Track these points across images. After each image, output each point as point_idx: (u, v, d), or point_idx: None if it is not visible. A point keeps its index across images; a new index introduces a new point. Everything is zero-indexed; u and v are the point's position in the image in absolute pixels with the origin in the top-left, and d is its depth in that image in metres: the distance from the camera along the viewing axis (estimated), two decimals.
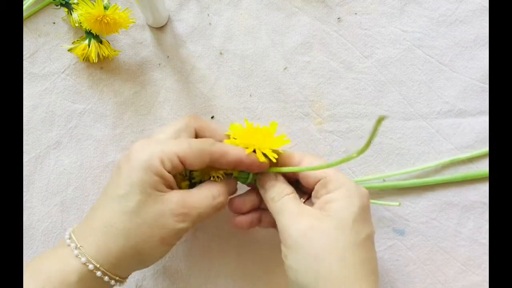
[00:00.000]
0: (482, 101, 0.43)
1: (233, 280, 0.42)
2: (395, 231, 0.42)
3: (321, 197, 0.35)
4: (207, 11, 0.45)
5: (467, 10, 0.44)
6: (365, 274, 0.32)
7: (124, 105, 0.44)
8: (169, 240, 0.33)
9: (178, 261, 0.42)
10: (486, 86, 0.43)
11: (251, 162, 0.35)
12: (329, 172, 0.35)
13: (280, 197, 0.35)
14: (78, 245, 0.32)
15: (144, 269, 0.42)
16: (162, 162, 0.33)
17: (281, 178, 0.37)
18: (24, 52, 0.44)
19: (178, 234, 0.33)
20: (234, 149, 0.35)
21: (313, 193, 0.36)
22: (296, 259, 0.33)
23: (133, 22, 0.42)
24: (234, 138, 0.37)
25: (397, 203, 0.40)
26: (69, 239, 0.33)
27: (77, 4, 0.41)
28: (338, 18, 0.45)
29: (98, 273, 0.32)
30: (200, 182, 0.37)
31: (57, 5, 0.44)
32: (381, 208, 0.42)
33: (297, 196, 0.36)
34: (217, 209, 0.35)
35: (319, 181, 0.35)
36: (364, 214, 0.34)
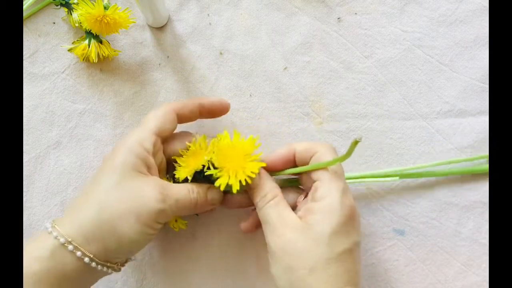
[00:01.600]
0: (482, 101, 0.43)
1: (232, 280, 0.42)
2: (395, 231, 0.42)
3: (307, 203, 0.35)
4: (207, 11, 0.45)
5: (467, 10, 0.45)
6: (337, 286, 0.32)
7: (124, 105, 0.44)
8: (145, 219, 0.33)
9: (178, 261, 0.42)
10: (486, 86, 0.44)
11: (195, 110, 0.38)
12: (323, 176, 0.35)
13: (262, 204, 0.35)
14: (53, 225, 0.33)
15: (145, 268, 0.42)
16: (142, 144, 0.34)
17: (265, 179, 0.36)
18: (24, 52, 0.44)
19: (155, 215, 0.33)
20: (190, 101, 0.38)
21: (309, 194, 0.36)
22: (275, 267, 0.34)
23: (133, 22, 0.42)
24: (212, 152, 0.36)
25: (396, 177, 0.40)
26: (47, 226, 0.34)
27: (77, 4, 0.41)
28: (338, 18, 0.45)
29: (70, 247, 0.32)
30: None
31: (57, 5, 0.44)
32: (381, 208, 0.42)
33: (280, 200, 0.35)
34: (194, 204, 0.35)
35: (314, 182, 0.36)
36: (345, 227, 0.33)
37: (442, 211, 0.42)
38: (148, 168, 0.35)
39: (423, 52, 0.44)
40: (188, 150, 0.37)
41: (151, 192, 0.33)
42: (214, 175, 0.35)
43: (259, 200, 0.35)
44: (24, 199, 0.43)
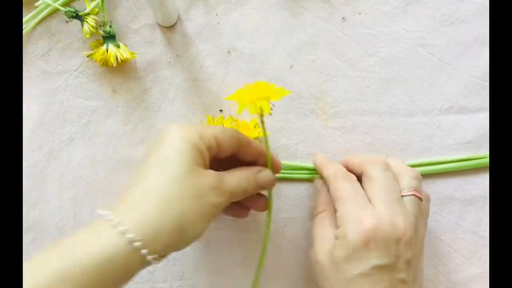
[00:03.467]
0: (483, 98, 0.44)
1: (241, 271, 0.43)
2: None
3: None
4: (215, 10, 0.46)
5: (468, 10, 0.45)
6: None
7: (135, 102, 0.45)
8: (206, 215, 0.32)
9: (185, 252, 0.44)
10: (487, 84, 0.44)
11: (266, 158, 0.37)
12: (366, 168, 0.38)
13: (314, 215, 0.40)
14: (116, 219, 0.29)
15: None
16: (201, 139, 0.33)
17: (322, 191, 0.40)
18: (38, 51, 0.45)
19: (215, 209, 0.32)
20: (256, 142, 0.37)
21: None
22: (316, 275, 0.37)
23: (134, 57, 0.45)
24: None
25: None
26: (105, 213, 0.30)
27: (88, 15, 0.43)
28: (343, 18, 0.46)
29: (136, 244, 0.28)
30: None
31: (69, 18, 0.43)
32: None
33: (325, 215, 0.38)
34: (244, 193, 0.35)
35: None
36: (358, 253, 0.33)
37: (443, 205, 0.43)
38: (204, 160, 0.33)
39: (425, 51, 0.45)
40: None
41: (210, 188, 0.32)
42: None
43: (314, 209, 0.40)
44: (38, 193, 0.44)
